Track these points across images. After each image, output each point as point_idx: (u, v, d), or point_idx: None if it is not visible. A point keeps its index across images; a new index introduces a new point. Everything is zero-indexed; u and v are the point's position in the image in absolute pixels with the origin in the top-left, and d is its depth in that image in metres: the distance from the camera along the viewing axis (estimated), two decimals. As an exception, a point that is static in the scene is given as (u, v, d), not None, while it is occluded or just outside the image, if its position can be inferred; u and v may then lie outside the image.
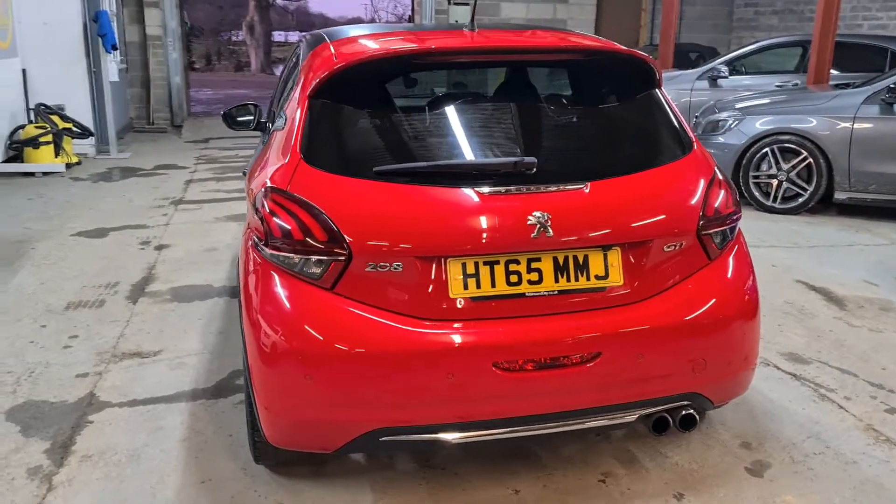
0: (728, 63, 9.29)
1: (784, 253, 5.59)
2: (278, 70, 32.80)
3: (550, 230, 2.35)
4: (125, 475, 2.82)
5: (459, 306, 2.36)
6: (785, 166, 6.63)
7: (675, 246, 2.53)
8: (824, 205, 6.77)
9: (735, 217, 2.69)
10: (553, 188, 2.42)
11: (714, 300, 2.58)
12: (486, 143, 2.61)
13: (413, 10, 14.09)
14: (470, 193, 2.37)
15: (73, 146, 9.37)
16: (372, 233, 2.33)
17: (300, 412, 2.38)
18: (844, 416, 3.20)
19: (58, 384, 3.55)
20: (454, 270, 2.35)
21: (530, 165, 2.41)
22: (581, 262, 2.44)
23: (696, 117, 7.54)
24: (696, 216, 2.56)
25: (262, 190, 2.52)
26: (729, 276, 2.66)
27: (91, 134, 9.62)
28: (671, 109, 2.81)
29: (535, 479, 2.77)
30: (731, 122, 6.87)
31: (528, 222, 2.34)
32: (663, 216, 2.52)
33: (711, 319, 2.56)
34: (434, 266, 2.34)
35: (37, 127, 8.86)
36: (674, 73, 9.58)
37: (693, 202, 2.58)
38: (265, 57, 33.67)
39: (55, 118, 9.11)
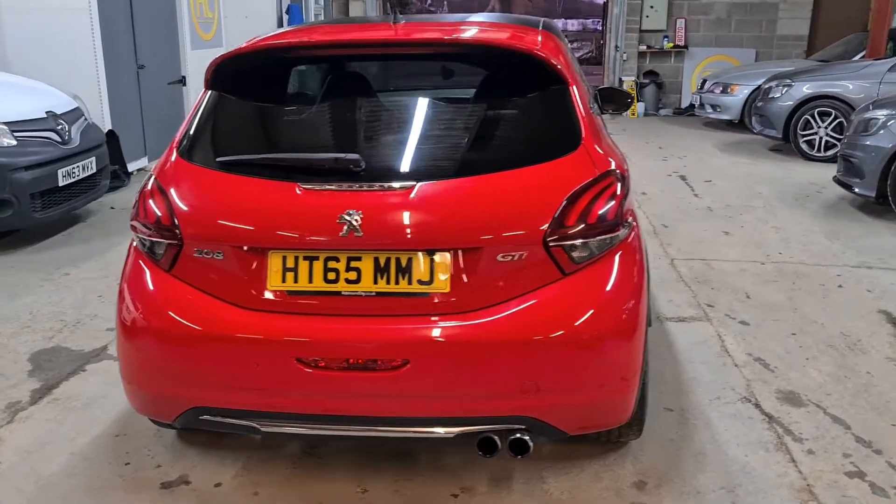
0: (932, 52, 7.92)
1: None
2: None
3: (360, 230, 2.30)
4: (67, 420, 3.22)
5: (276, 298, 2.39)
6: (942, 176, 5.58)
7: (514, 256, 2.34)
8: None
9: (606, 229, 2.41)
10: (375, 186, 2.35)
11: (556, 320, 2.35)
12: (331, 138, 2.59)
13: (610, -5, 13.64)
14: (290, 188, 2.39)
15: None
16: (198, 220, 2.45)
17: (139, 383, 2.57)
18: (787, 472, 2.73)
19: (88, 335, 4.09)
20: (275, 263, 2.39)
21: (354, 162, 2.36)
22: (404, 265, 2.35)
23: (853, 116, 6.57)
24: (542, 225, 2.34)
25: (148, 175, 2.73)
26: (586, 294, 2.39)
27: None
28: (565, 107, 2.57)
29: (394, 482, 2.72)
30: (883, 120, 5.90)
31: (338, 220, 2.31)
32: (497, 222, 2.34)
33: (548, 340, 2.33)
34: (252, 257, 2.39)
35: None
36: (861, 64, 8.36)
37: (543, 209, 2.36)
38: (503, 45, 34.35)
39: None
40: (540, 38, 2.80)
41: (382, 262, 2.35)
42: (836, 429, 3.01)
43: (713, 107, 10.78)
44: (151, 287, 2.53)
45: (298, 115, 2.68)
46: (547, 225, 2.34)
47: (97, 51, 7.71)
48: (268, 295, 2.39)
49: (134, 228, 2.59)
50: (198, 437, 3.01)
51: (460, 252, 2.33)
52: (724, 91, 10.65)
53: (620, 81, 13.10)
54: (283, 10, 10.90)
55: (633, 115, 12.91)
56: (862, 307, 4.26)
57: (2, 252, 5.50)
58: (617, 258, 2.48)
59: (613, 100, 4.28)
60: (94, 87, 7.71)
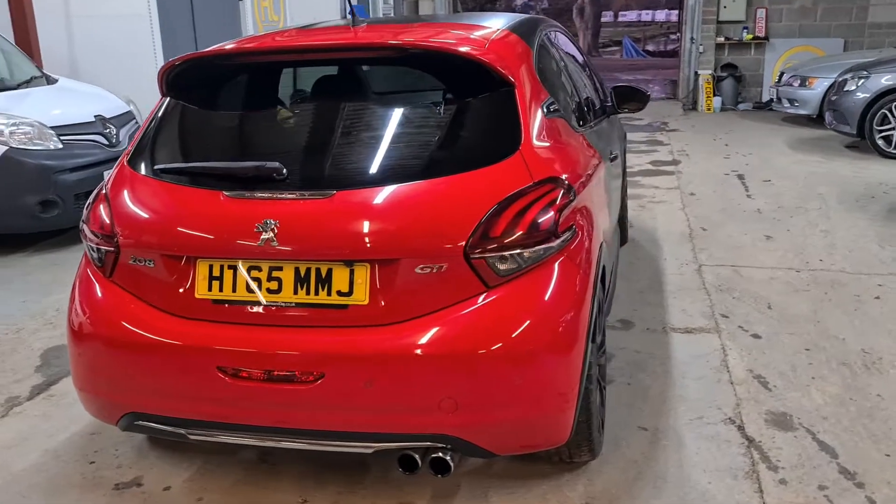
0: None
1: (944, 289, 4.33)
2: (607, 52, 32.70)
3: (276, 239, 2.26)
4: (53, 416, 3.33)
5: (202, 307, 2.39)
6: None
7: (433, 268, 2.24)
8: None
9: (539, 240, 2.28)
10: (294, 195, 2.31)
11: (477, 334, 2.24)
12: (263, 146, 2.57)
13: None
14: (214, 196, 2.38)
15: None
16: (132, 228, 2.48)
17: (82, 387, 2.62)
18: (750, 503, 2.52)
19: (101, 333, 4.23)
20: (202, 271, 2.39)
21: (276, 170, 2.33)
22: (324, 276, 2.30)
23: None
24: (463, 236, 2.24)
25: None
26: (513, 308, 2.27)
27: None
28: (505, 112, 2.45)
29: (336, 493, 2.68)
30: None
31: (255, 229, 2.28)
32: (413, 234, 2.25)
33: (466, 356, 2.23)
34: (180, 265, 2.40)
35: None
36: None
37: (465, 219, 2.25)
38: (593, 39, 33.77)
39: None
40: (491, 39, 2.69)
41: (303, 272, 2.31)
42: (820, 457, 2.76)
43: (790, 101, 10.20)
44: (93, 292, 2.58)
45: (236, 122, 2.69)
46: (468, 236, 2.24)
47: (157, 56, 8.02)
48: (196, 303, 2.39)
49: (83, 234, 2.64)
50: (164, 440, 3.05)
51: (377, 264, 2.26)
52: (801, 84, 10.05)
53: (696, 75, 12.59)
54: (348, 11, 11.02)
55: (710, 110, 12.39)
56: (895, 322, 3.91)
57: (49, 250, 5.80)
58: (555, 268, 2.35)
59: (633, 98, 4.12)
60: (155, 91, 8.01)
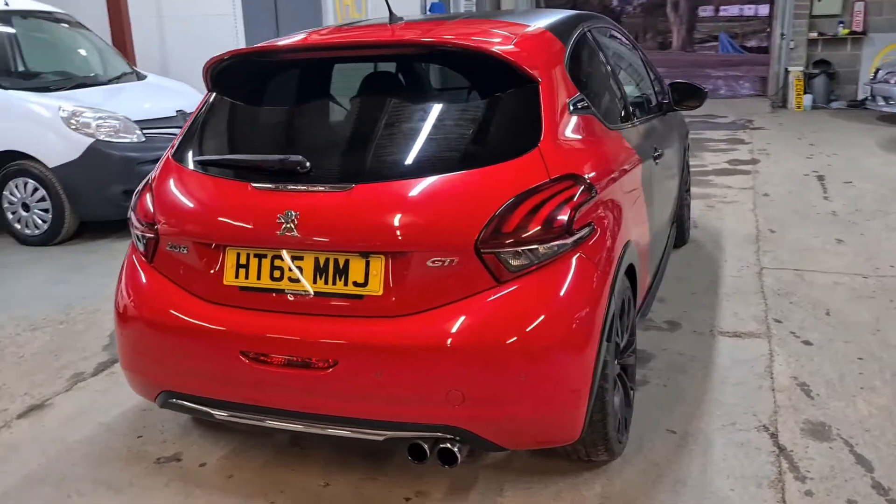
0: None
1: None
2: (704, 48, 31.75)
3: (296, 229, 2.36)
4: (111, 391, 3.56)
5: (230, 293, 2.51)
6: None
7: (444, 262, 2.29)
8: None
9: (552, 236, 2.29)
10: (317, 188, 2.40)
11: (485, 329, 2.27)
12: (291, 139, 2.66)
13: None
14: (243, 187, 2.49)
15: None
16: (169, 216, 2.62)
17: (125, 365, 2.80)
18: (771, 513, 2.45)
19: (166, 317, 4.47)
20: (230, 259, 2.51)
21: (300, 163, 2.42)
22: (341, 266, 2.38)
23: None
24: (474, 231, 2.27)
25: None
26: (524, 303, 2.29)
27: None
28: (526, 109, 2.47)
29: (358, 479, 2.76)
30: None
31: (277, 220, 2.38)
32: (425, 227, 2.29)
33: (473, 349, 2.26)
34: (210, 252, 2.53)
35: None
36: None
37: (477, 214, 2.28)
38: (687, 34, 32.94)
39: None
40: (520, 36, 2.70)
41: (322, 262, 2.40)
42: (854, 470, 2.65)
43: (885, 99, 9.68)
44: (136, 277, 2.74)
45: (270, 117, 2.80)
46: (479, 231, 2.27)
47: (240, 53, 8.35)
48: (224, 290, 2.52)
49: (129, 221, 2.81)
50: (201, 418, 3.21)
51: (391, 256, 2.32)
52: (899, 81, 9.52)
53: (786, 72, 12.11)
54: (427, 8, 11.14)
55: (799, 108, 11.89)
56: (964, 333, 3.70)
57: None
58: (570, 265, 2.35)
59: (692, 95, 4.09)
60: (236, 86, 8.35)
